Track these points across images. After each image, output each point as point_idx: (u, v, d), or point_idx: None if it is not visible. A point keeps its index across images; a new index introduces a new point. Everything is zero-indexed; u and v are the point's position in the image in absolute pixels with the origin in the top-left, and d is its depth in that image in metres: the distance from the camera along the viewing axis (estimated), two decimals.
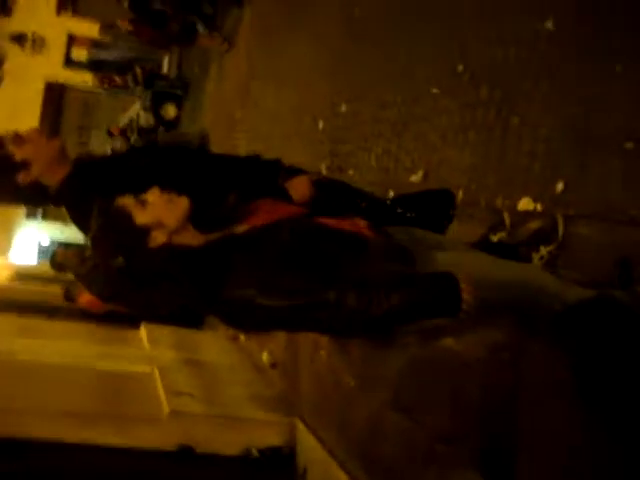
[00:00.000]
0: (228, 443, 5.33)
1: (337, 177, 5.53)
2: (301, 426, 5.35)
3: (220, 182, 2.71)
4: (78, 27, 19.55)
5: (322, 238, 2.29)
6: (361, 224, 2.44)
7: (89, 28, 19.20)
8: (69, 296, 8.64)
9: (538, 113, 3.48)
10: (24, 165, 2.54)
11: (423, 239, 2.57)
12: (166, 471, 5.13)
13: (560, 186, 3.23)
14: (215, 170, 2.83)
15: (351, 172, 5.56)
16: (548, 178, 3.32)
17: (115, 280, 2.25)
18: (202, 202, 2.32)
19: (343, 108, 5.95)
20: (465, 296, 2.09)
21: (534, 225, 3.06)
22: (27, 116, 17.96)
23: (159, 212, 2.23)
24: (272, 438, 5.39)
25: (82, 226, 2.75)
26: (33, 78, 18.86)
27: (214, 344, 7.16)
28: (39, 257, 18.78)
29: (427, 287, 2.14)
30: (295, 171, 2.90)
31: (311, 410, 5.40)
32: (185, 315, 8.03)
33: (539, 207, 3.33)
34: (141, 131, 14.01)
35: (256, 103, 9.17)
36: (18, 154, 2.53)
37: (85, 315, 8.63)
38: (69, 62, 19.66)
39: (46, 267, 10.77)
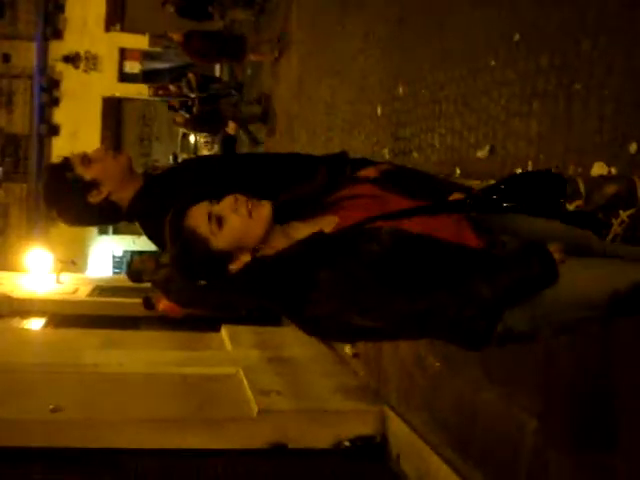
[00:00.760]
0: (319, 436, 5.36)
1: (401, 161, 5.50)
2: (390, 413, 5.34)
3: (289, 180, 2.67)
4: (128, 41, 19.87)
5: (427, 251, 2.01)
6: (466, 233, 2.13)
7: (139, 40, 19.50)
8: (148, 304, 8.79)
9: (601, 73, 3.39)
10: (94, 185, 2.56)
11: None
12: (261, 470, 5.18)
13: (634, 147, 3.14)
14: (283, 168, 2.80)
15: (415, 155, 5.52)
16: (620, 140, 3.24)
17: (193, 291, 2.24)
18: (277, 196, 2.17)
19: (400, 91, 5.90)
20: (557, 256, 2.01)
21: (610, 190, 2.96)
22: (88, 133, 18.33)
23: (238, 231, 1.99)
24: (362, 428, 5.40)
25: (157, 241, 2.77)
26: (90, 95, 19.22)
27: (295, 339, 7.18)
28: (114, 269, 19.16)
29: (519, 264, 2.02)
30: (363, 162, 2.84)
31: (398, 396, 5.39)
32: (263, 313, 8.10)
33: (613, 170, 3.24)
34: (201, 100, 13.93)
35: (310, 98, 9.18)
36: (87, 174, 2.55)
37: (165, 322, 8.79)
38: (123, 76, 19.98)
39: (123, 279, 10.99)
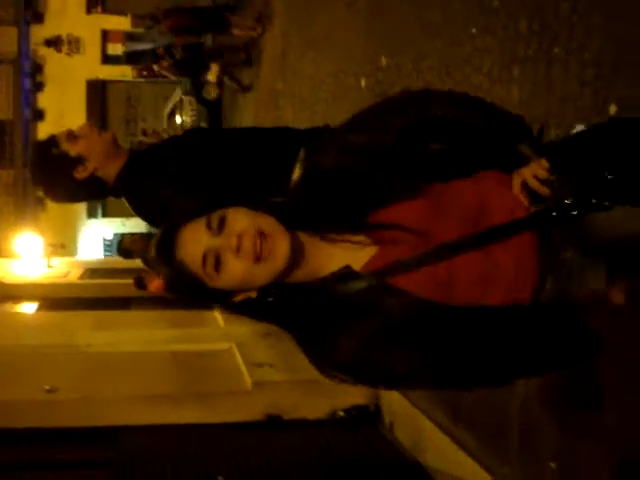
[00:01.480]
0: (314, 407, 5.42)
1: None
2: None
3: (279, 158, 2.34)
4: (110, 22, 19.73)
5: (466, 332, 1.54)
6: (528, 266, 1.56)
7: (121, 22, 19.39)
8: (140, 283, 8.80)
9: (581, 37, 3.42)
10: (80, 161, 2.60)
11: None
12: (257, 442, 5.24)
13: (613, 109, 3.18)
14: (273, 147, 2.75)
15: None
16: (600, 102, 3.28)
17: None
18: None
19: (383, 62, 5.92)
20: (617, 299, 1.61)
21: None
22: (73, 117, 18.22)
23: (239, 279, 1.52)
24: (356, 397, 5.46)
25: (144, 215, 2.81)
26: (74, 79, 19.11)
27: None
28: (105, 252, 19.16)
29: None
30: None
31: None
32: None
33: None
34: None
35: (295, 72, 9.17)
36: (73, 150, 2.59)
37: (157, 301, 8.82)
38: (106, 58, 19.86)
39: (114, 261, 11.00)
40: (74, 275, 11.35)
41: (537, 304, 1.55)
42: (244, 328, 7.06)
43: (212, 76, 13.02)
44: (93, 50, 19.72)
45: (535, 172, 1.55)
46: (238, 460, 4.97)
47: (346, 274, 1.55)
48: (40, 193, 2.63)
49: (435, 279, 1.54)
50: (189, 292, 1.60)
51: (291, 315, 1.60)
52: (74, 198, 2.80)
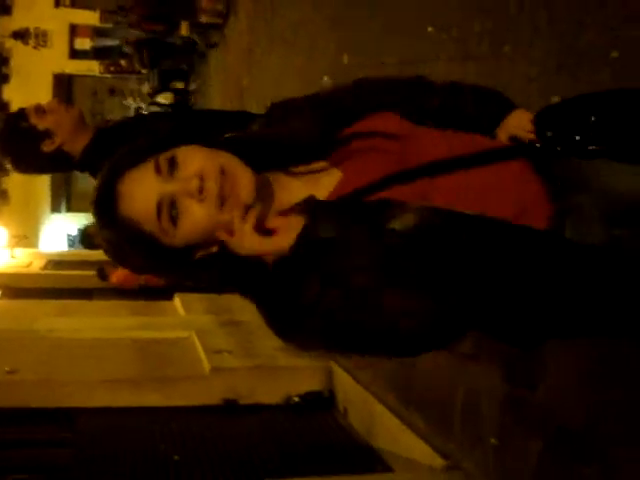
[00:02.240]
0: (269, 393, 5.55)
1: None
2: (337, 369, 5.55)
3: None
4: (78, 17, 19.68)
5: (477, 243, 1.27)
6: (534, 192, 1.37)
7: (89, 16, 19.35)
8: (102, 274, 8.91)
9: (528, 36, 3.61)
10: (47, 135, 2.73)
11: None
12: (213, 425, 5.36)
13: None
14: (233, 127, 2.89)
15: None
16: (545, 97, 3.45)
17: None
18: None
19: (345, 60, 6.08)
20: None
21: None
22: None
23: (202, 229, 1.29)
24: (311, 383, 5.60)
25: None
26: (40, 72, 19.03)
27: (246, 304, 7.35)
28: (69, 247, 19.11)
29: None
30: None
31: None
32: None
33: None
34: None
35: (261, 68, 9.30)
36: (41, 124, 2.73)
37: (118, 292, 8.91)
38: (74, 52, 19.81)
39: (77, 253, 11.04)
40: (37, 265, 11.40)
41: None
42: (204, 317, 7.18)
43: (184, 30, 13.07)
44: (61, 44, 19.66)
45: (519, 123, 1.54)
46: (195, 442, 5.07)
47: (312, 203, 1.28)
48: (7, 165, 2.75)
49: (423, 196, 1.30)
50: (139, 259, 1.34)
51: (256, 268, 1.35)
52: (40, 170, 2.93)
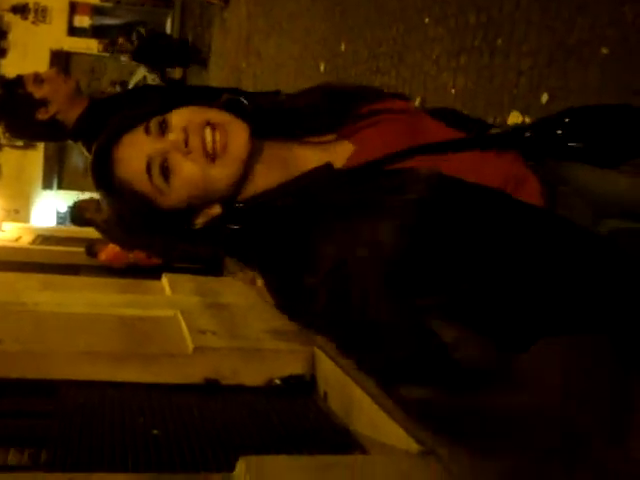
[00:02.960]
0: (252, 374, 5.57)
1: None
2: (320, 354, 5.59)
3: None
4: None
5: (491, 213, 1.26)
6: (530, 180, 1.43)
7: None
8: (91, 251, 8.92)
9: (521, 30, 3.65)
10: (43, 103, 2.77)
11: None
12: (194, 403, 5.39)
13: (545, 97, 3.41)
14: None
15: None
16: (534, 91, 3.51)
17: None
18: None
19: (342, 47, 6.12)
20: None
21: None
22: None
23: (195, 185, 1.28)
24: (293, 367, 5.63)
25: None
26: (38, 48, 18.95)
27: (233, 288, 7.41)
28: (58, 224, 19.10)
29: None
30: None
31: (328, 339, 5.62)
32: (207, 264, 8.31)
33: (527, 119, 3.52)
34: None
35: (259, 54, 9.33)
36: (37, 93, 2.76)
37: (106, 270, 8.92)
38: (72, 30, 19.74)
39: (66, 229, 11.05)
40: (25, 240, 11.39)
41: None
42: (191, 298, 7.21)
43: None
44: (59, 21, 19.58)
45: None
46: (174, 418, 5.10)
47: (326, 170, 1.30)
48: (0, 129, 2.79)
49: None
50: (139, 226, 1.34)
51: (264, 232, 1.30)
52: (32, 136, 2.97)
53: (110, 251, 8.82)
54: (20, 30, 19.13)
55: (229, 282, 8.01)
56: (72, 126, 2.82)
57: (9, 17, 19.08)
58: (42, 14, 19.34)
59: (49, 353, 5.50)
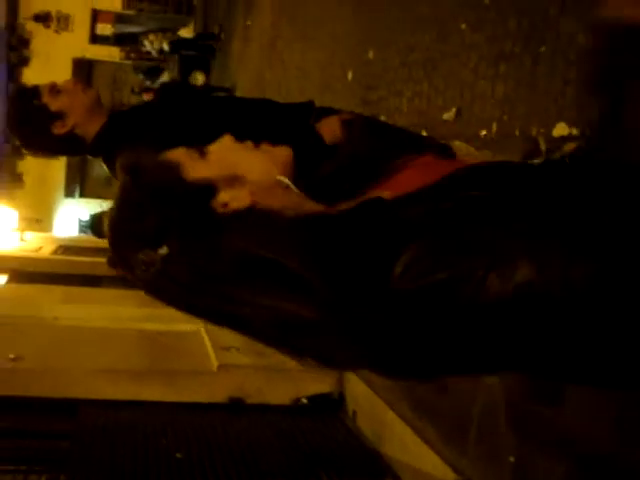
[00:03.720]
0: (277, 393, 5.42)
1: None
2: (348, 372, 5.41)
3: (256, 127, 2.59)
4: (101, 2, 19.60)
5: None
6: None
7: (112, 2, 19.27)
8: (113, 262, 8.78)
9: (567, 38, 3.45)
10: (59, 116, 2.56)
11: None
12: (219, 423, 5.23)
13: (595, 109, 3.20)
14: (252, 115, 2.74)
15: (383, 118, 5.55)
16: (584, 101, 3.30)
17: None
18: None
19: (370, 55, 5.93)
20: None
21: (569, 148, 3.03)
22: None
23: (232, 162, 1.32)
24: (320, 385, 5.46)
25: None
26: (60, 56, 18.94)
27: None
28: (80, 233, 19.07)
29: None
30: (328, 111, 2.81)
31: None
32: None
33: (575, 131, 3.31)
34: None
35: (283, 62, 9.17)
36: (53, 105, 2.55)
37: (128, 282, 8.79)
38: (95, 38, 19.73)
39: (88, 239, 10.93)
40: (47, 250, 11.29)
41: None
42: None
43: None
44: (82, 29, 19.57)
45: None
46: (198, 440, 4.95)
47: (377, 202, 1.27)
48: (17, 143, 2.60)
49: None
50: (173, 204, 1.25)
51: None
52: (49, 153, 2.76)
53: None
54: (42, 39, 19.11)
55: None
56: (91, 141, 2.63)
57: (31, 26, 19.07)
58: (64, 22, 19.34)
59: (68, 370, 5.37)
